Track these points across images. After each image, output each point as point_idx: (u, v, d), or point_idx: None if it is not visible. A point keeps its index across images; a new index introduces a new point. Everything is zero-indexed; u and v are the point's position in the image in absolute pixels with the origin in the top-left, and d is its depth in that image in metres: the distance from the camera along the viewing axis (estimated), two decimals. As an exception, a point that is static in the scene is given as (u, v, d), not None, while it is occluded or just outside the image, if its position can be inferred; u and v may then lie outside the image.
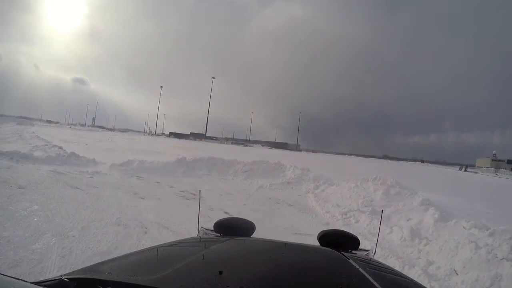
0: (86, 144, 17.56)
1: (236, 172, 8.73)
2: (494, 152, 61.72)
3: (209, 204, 5.04)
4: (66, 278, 0.66)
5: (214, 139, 76.49)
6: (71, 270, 0.75)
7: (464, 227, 4.51)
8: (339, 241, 1.26)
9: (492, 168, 50.06)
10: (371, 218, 4.68)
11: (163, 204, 4.96)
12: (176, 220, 4.07)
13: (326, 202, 5.84)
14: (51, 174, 6.71)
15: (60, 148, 11.77)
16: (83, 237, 3.17)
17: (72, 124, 76.79)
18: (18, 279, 0.58)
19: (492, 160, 58.87)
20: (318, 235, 1.32)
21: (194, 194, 5.84)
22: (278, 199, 6.09)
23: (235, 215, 3.36)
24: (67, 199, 4.78)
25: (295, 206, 5.69)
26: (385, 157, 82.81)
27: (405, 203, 5.90)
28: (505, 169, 48.34)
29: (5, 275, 0.58)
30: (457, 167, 51.44)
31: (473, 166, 54.84)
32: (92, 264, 0.82)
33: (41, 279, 0.71)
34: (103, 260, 0.86)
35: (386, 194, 6.14)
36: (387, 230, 4.26)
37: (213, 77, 72.97)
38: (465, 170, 44.95)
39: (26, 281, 0.60)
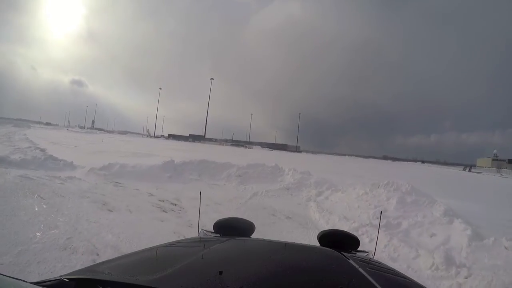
0: (75, 146, 16.75)
1: (229, 177, 7.82)
2: (495, 151, 60.53)
3: (190, 218, 4.16)
4: (66, 278, 0.66)
5: (213, 141, 75.75)
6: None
7: (506, 247, 3.60)
8: (339, 241, 1.24)
9: (494, 168, 49.03)
10: (389, 236, 3.76)
11: (132, 219, 4.06)
12: (140, 242, 3.17)
13: (331, 213, 4.92)
14: (18, 180, 5.85)
15: (42, 150, 11.07)
16: (12, 266, 2.45)
17: (70, 127, 75.98)
18: (18, 279, 0.59)
19: (493, 159, 57.56)
20: (318, 235, 1.31)
21: (175, 205, 4.94)
22: (274, 210, 5.17)
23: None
24: (20, 211, 3.96)
25: (294, 218, 4.78)
26: (385, 157, 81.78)
27: (425, 214, 5.00)
28: (507, 168, 47.29)
29: (5, 275, 0.58)
30: (460, 167, 50.69)
31: (473, 166, 53.76)
32: (92, 264, 0.84)
33: (41, 279, 0.69)
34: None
35: (401, 203, 5.22)
36: (412, 253, 3.35)
37: (211, 79, 72.47)
38: (469, 171, 44.12)
39: (26, 281, 0.60)
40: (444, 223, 4.76)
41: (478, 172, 41.48)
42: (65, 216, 4.03)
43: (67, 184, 6.13)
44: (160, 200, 5.14)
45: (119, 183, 6.63)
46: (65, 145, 17.04)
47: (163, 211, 4.52)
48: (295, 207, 5.56)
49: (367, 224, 4.30)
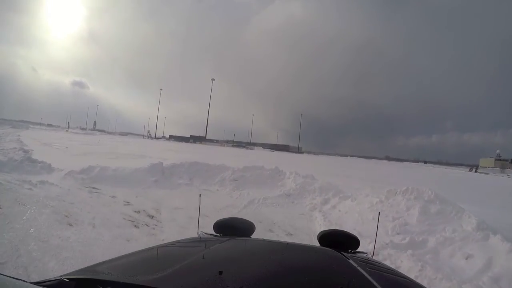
0: (66, 147, 16.03)
1: (223, 181, 6.97)
2: (498, 151, 59.32)
3: (165, 237, 3.32)
4: (66, 278, 0.66)
5: (214, 142, 75.06)
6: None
7: None
8: (339, 241, 1.23)
9: (498, 168, 47.96)
10: (419, 264, 2.89)
11: (92, 237, 3.24)
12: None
13: (341, 227, 4.05)
14: (-18, 185, 5.12)
15: (26, 152, 10.43)
16: None
17: (69, 128, 75.47)
18: (18, 279, 0.58)
19: (496, 160, 56.18)
20: (318, 235, 1.32)
21: (152, 217, 4.10)
22: (272, 222, 4.31)
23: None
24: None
25: (296, 235, 3.91)
26: (387, 158, 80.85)
27: (454, 228, 4.12)
28: (510, 168, 46.11)
29: (5, 275, 0.58)
30: (463, 168, 50.00)
31: (476, 166, 52.69)
32: (92, 264, 0.80)
33: (41, 279, 0.69)
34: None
35: (424, 214, 4.35)
36: (454, 289, 2.49)
37: (212, 79, 71.87)
38: (475, 171, 43.19)
39: (26, 281, 0.60)
40: (479, 240, 3.89)
41: (485, 173, 40.44)
42: (14, 231, 3.26)
43: (36, 190, 5.36)
44: (135, 211, 4.30)
45: (96, 188, 5.83)
46: (55, 147, 16.35)
47: (134, 226, 3.67)
48: (297, 219, 4.68)
49: (387, 244, 3.43)
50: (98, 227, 3.56)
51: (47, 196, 4.95)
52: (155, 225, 3.76)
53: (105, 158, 11.40)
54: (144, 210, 4.36)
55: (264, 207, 5.23)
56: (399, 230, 3.96)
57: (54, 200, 4.79)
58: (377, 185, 8.72)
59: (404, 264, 2.92)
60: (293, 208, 5.30)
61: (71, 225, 3.67)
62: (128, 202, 4.82)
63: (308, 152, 74.15)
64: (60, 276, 0.67)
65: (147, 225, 3.74)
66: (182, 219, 4.04)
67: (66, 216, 4.02)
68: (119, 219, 3.89)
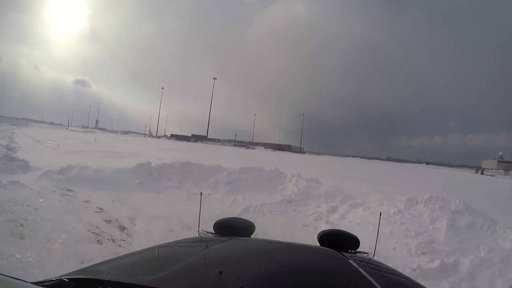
0: (58, 145, 15.41)
1: (216, 184, 6.26)
2: (500, 153, 58.44)
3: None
4: (66, 278, 0.65)
5: (216, 141, 74.49)
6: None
7: None
8: (339, 241, 1.23)
9: (501, 170, 47.02)
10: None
11: (40, 256, 2.56)
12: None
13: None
14: None
15: (10, 149, 9.91)
16: None
17: (71, 126, 75.08)
18: (18, 279, 0.58)
19: (498, 161, 55.36)
20: (318, 235, 1.31)
21: (123, 229, 3.39)
22: (269, 237, 3.60)
23: None
24: None
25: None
26: (389, 158, 79.76)
27: (490, 246, 3.39)
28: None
29: (5, 275, 0.57)
30: (466, 169, 49.23)
31: (482, 168, 51.70)
32: (92, 264, 0.80)
33: (41, 279, 0.68)
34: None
35: (453, 228, 3.62)
36: None
37: (214, 78, 71.21)
38: (481, 173, 42.28)
39: (26, 281, 0.60)
40: (523, 262, 3.17)
41: (491, 175, 39.47)
42: None
43: (2, 191, 4.71)
44: (106, 220, 3.59)
45: (71, 191, 5.15)
46: (47, 144, 15.76)
47: (97, 241, 2.96)
48: (300, 231, 3.94)
49: (414, 270, 2.71)
50: (52, 242, 2.87)
51: (11, 200, 4.28)
52: (123, 240, 3.05)
53: (95, 157, 10.75)
54: (116, 219, 3.65)
55: (261, 216, 4.50)
56: (424, 249, 3.23)
57: (17, 204, 4.11)
58: (386, 189, 8.01)
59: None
60: (295, 218, 4.54)
61: (22, 238, 3.00)
62: (101, 209, 4.11)
63: (310, 152, 73.43)
64: (60, 276, 0.66)
65: (113, 240, 3.02)
66: (160, 232, 3.33)
67: (22, 225, 3.35)
68: (82, 231, 3.18)
